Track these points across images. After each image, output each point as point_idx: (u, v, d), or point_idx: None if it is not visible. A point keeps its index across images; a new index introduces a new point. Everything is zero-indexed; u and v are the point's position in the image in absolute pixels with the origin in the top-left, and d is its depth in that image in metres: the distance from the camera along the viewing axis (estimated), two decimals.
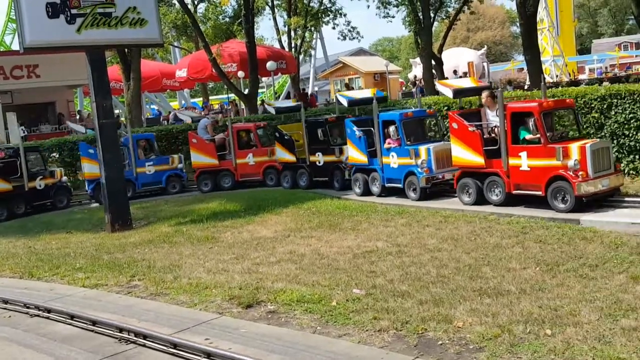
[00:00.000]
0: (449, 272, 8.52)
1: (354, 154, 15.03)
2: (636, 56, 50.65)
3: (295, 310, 7.72)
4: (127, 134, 19.76)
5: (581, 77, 43.00)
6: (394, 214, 12.68)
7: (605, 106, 13.83)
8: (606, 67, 49.45)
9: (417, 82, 36.00)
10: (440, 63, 31.50)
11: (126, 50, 25.63)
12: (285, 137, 17.49)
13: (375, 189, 14.67)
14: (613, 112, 13.75)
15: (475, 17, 75.85)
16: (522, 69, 43.50)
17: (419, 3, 29.15)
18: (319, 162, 16.73)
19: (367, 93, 16.74)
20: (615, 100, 13.65)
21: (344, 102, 16.02)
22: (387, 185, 14.41)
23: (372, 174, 14.74)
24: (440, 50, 32.84)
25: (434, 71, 30.62)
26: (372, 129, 14.55)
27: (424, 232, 10.89)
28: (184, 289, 9.14)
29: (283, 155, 17.57)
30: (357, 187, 15.11)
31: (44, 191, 18.91)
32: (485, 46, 50.47)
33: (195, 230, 13.42)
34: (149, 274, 10.15)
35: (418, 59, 35.85)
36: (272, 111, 19.36)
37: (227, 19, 43.58)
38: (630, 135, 13.50)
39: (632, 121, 13.41)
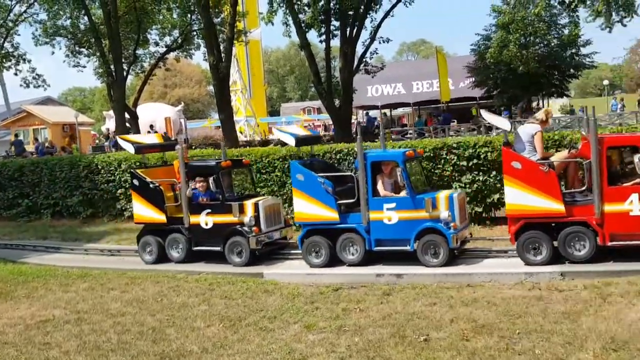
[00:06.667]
0: (131, 337, 8.09)
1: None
2: (318, 119, 55.56)
3: None
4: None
5: (271, 137, 45.77)
6: (76, 277, 11.82)
7: (287, 166, 14.34)
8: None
9: (110, 135, 35.02)
10: (135, 117, 31.05)
11: None
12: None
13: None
14: None
15: (172, 74, 76.98)
16: (219, 126, 44.89)
17: (111, 55, 28.55)
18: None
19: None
20: None
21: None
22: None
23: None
24: (135, 104, 32.45)
25: (128, 125, 30.06)
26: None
27: (107, 296, 10.28)
28: None
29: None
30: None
31: None
32: (182, 103, 51.25)
33: None
34: None
35: (112, 112, 34.98)
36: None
37: None
38: None
39: None
